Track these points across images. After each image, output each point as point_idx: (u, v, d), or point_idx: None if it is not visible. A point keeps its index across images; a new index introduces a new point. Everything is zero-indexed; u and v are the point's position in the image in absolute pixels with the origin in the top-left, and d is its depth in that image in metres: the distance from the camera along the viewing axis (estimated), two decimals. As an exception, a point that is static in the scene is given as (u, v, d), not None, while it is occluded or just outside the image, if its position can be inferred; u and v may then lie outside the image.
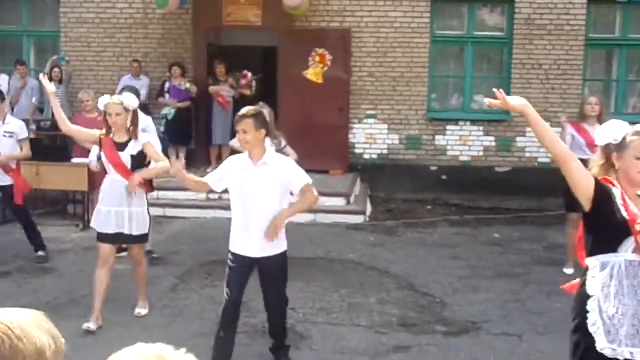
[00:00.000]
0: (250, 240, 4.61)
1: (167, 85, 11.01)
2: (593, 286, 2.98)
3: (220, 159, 9.50)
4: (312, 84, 11.03)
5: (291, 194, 4.82)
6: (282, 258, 4.72)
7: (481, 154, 11.27)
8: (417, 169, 11.29)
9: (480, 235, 9.04)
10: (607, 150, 3.12)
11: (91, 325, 5.39)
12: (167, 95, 10.99)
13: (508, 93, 11.39)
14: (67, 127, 5.74)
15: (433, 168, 11.38)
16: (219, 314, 4.77)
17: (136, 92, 6.71)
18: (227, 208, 9.04)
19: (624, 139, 3.03)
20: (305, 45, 11.01)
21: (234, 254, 4.70)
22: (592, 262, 3.01)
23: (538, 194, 10.19)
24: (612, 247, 2.94)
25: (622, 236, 2.91)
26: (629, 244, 2.90)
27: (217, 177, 4.82)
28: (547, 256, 7.77)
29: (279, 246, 4.68)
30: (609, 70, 11.74)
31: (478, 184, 10.99)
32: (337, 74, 11.07)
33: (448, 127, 11.34)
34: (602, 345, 2.91)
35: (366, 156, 11.44)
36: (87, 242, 7.99)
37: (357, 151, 11.43)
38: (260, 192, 4.57)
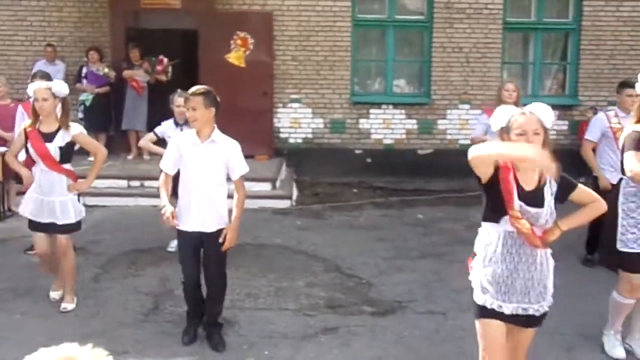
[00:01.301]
0: (191, 215, 4.70)
1: (84, 70, 10.69)
2: (479, 247, 3.44)
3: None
4: (234, 67, 10.90)
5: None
6: (220, 235, 4.76)
7: (404, 136, 11.40)
8: (342, 153, 11.34)
9: (404, 217, 9.17)
10: (500, 134, 3.37)
11: (55, 296, 5.68)
12: (85, 81, 10.68)
13: (429, 76, 11.54)
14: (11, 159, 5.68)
15: (358, 151, 11.45)
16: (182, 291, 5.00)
17: (48, 78, 6.44)
18: (149, 195, 8.98)
19: (509, 121, 3.32)
20: (227, 28, 10.86)
21: (179, 232, 4.81)
22: (483, 227, 3.45)
23: (459, 174, 10.30)
24: (496, 218, 3.35)
25: (502, 212, 3.31)
26: (508, 218, 3.29)
27: (171, 161, 4.82)
28: (469, 235, 7.82)
29: (221, 222, 4.77)
30: (526, 53, 12.06)
31: (402, 166, 11.13)
32: (260, 58, 10.98)
33: (371, 111, 11.42)
34: (477, 296, 3.40)
35: (291, 140, 11.41)
36: (3, 233, 7.69)
37: (282, 135, 11.39)
38: (204, 169, 4.67)
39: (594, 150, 6.70)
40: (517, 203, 3.26)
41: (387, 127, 11.46)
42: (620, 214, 4.53)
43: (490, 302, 3.36)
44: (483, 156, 3.19)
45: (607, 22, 11.47)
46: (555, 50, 12.14)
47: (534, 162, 3.12)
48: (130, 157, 10.82)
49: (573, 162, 10.08)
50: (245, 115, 10.74)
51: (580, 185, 3.47)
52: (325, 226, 8.58)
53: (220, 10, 11.04)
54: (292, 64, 11.21)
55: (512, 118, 3.32)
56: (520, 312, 3.35)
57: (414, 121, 11.45)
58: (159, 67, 10.81)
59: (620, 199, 4.56)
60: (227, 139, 4.83)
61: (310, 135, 11.41)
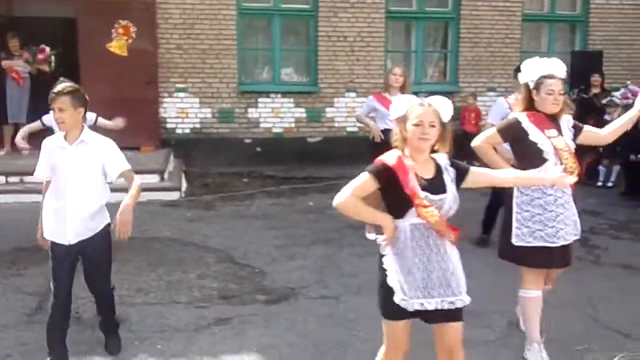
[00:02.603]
0: (66, 225, 4.21)
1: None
2: (386, 247, 3.34)
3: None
4: (116, 57, 10.57)
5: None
6: (103, 234, 4.33)
7: (293, 125, 11.46)
8: (232, 142, 11.27)
9: (295, 204, 9.23)
10: (398, 123, 3.40)
11: None
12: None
13: (315, 65, 11.61)
14: None
15: (247, 141, 11.41)
16: (49, 307, 4.38)
17: None
18: (29, 192, 8.57)
19: (407, 110, 3.35)
20: (107, 16, 10.50)
21: (52, 243, 4.28)
22: None
23: (348, 161, 10.53)
24: (400, 214, 3.31)
25: (407, 206, 3.28)
26: (413, 211, 3.27)
27: (44, 167, 4.33)
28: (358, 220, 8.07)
29: (99, 223, 4.32)
30: (409, 41, 12.38)
31: (292, 154, 11.19)
32: (143, 46, 10.70)
33: (260, 100, 11.41)
34: (397, 298, 3.29)
35: (178, 131, 11.21)
36: None
37: (168, 126, 11.17)
38: (77, 173, 4.19)
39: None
40: (422, 193, 3.26)
41: (276, 116, 11.47)
42: (515, 208, 4.42)
43: (412, 302, 3.28)
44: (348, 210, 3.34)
45: (484, 12, 11.97)
46: (436, 38, 12.54)
47: (387, 231, 3.31)
48: (2, 152, 10.29)
49: (456, 146, 10.55)
50: (129, 106, 10.40)
51: (472, 168, 3.52)
52: (216, 217, 8.51)
53: (100, -3, 10.67)
54: (176, 52, 11.00)
55: (410, 108, 3.34)
56: (446, 306, 3.30)
57: (303, 110, 11.53)
58: (40, 57, 10.35)
59: (515, 192, 4.43)
60: (99, 138, 4.34)
61: (198, 125, 11.25)
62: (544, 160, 4.31)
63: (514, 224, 4.42)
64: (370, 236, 3.59)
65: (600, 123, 10.32)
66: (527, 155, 4.37)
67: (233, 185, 10.24)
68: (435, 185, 3.32)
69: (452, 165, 3.43)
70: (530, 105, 4.49)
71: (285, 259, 6.78)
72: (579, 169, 4.48)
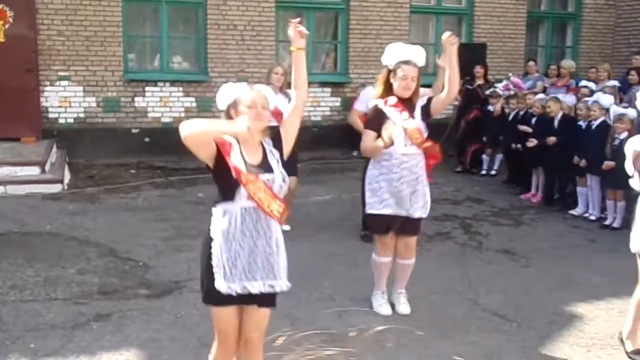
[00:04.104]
0: None
1: None
2: (215, 231, 3.33)
3: None
4: (-9, 43, 10.01)
5: None
6: None
7: (182, 114, 11.20)
8: (118, 132, 10.91)
9: (184, 196, 9.05)
10: (227, 111, 3.43)
11: None
12: None
13: (205, 53, 11.41)
14: None
15: (134, 130, 11.08)
16: None
17: None
18: None
19: (236, 97, 3.39)
20: (-19, -1, 9.92)
21: None
22: (216, 210, 3.36)
23: (239, 152, 10.46)
24: (231, 196, 3.30)
25: (235, 187, 3.28)
26: (242, 192, 3.28)
27: None
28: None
29: None
30: (299, 31, 12.34)
31: (182, 145, 10.83)
32: (21, 32, 10.19)
33: (147, 88, 11.09)
34: (219, 283, 3.30)
35: (61, 121, 10.74)
36: None
37: (50, 116, 10.67)
38: None
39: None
40: (246, 169, 3.31)
41: (165, 105, 11.20)
42: (367, 179, 5.05)
43: (234, 287, 3.30)
44: (199, 134, 3.22)
45: (373, 3, 12.13)
46: (327, 29, 12.60)
47: (243, 135, 3.22)
48: None
49: (344, 137, 10.71)
50: (7, 95, 9.97)
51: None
52: (100, 210, 8.21)
53: (-29, -21, 10.06)
54: (58, 39, 10.52)
55: (239, 94, 3.38)
56: (266, 289, 3.35)
57: (192, 99, 11.31)
58: None
59: (369, 165, 5.07)
60: None
61: (82, 115, 10.82)
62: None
63: (366, 195, 5.06)
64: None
65: (484, 113, 10.84)
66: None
67: (119, 177, 9.93)
68: (263, 167, 3.36)
69: (275, 146, 3.45)
70: (388, 87, 4.93)
71: (172, 251, 6.63)
72: (434, 147, 5.00)
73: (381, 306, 5.26)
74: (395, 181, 4.89)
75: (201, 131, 3.24)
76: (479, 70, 11.23)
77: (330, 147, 11.61)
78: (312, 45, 12.09)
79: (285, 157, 3.47)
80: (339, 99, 12.05)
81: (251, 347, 3.51)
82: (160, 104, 11.15)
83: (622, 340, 4.77)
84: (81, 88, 10.75)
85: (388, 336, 4.82)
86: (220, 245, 3.31)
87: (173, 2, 11.27)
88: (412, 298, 5.39)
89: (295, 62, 3.50)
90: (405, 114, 4.86)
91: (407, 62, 4.82)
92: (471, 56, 11.87)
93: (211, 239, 3.34)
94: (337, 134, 11.56)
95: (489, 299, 5.62)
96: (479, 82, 11.21)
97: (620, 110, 7.99)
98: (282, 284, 3.42)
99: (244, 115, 3.25)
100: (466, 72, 11.41)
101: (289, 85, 7.08)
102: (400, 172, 4.88)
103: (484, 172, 11.02)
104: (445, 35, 4.79)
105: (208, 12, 11.19)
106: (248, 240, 3.31)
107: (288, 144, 3.49)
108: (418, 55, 4.90)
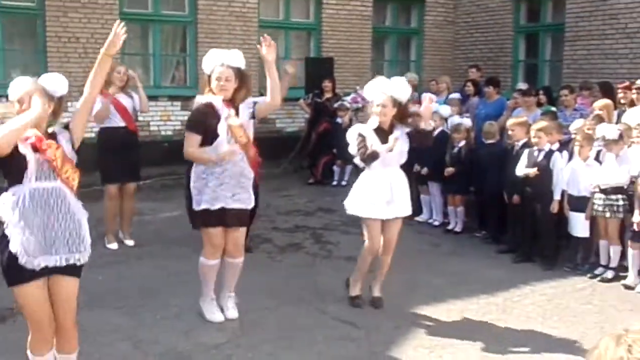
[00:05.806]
0: None
1: None
2: (6, 213, 3.42)
3: None
4: None
5: None
6: None
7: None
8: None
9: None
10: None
11: None
12: None
13: (45, 67, 10.76)
14: None
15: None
16: None
17: None
18: None
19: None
20: None
21: None
22: (6, 195, 3.44)
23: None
24: (19, 179, 3.41)
25: (23, 170, 3.40)
26: (30, 174, 3.40)
27: None
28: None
29: None
30: (146, 44, 12.06)
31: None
32: None
33: (-18, 104, 10.38)
34: (22, 259, 3.38)
35: None
36: None
37: None
38: None
39: None
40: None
41: None
42: (192, 176, 5.11)
43: (37, 262, 3.39)
44: (11, 136, 3.29)
45: (221, 17, 12.07)
46: (175, 42, 12.39)
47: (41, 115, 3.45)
48: None
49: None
50: None
51: None
52: None
53: None
54: None
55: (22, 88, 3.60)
56: (71, 262, 3.49)
57: (32, 115, 10.69)
58: None
59: (193, 164, 5.18)
60: None
61: None
62: (217, 136, 4.94)
63: (192, 192, 5.10)
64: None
65: (333, 125, 11.06)
66: (209, 132, 4.97)
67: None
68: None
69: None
70: (211, 93, 5.05)
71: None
72: (249, 145, 5.12)
73: (214, 314, 5.25)
74: (220, 174, 4.99)
75: (10, 133, 3.29)
76: (327, 84, 11.46)
77: (183, 162, 11.33)
78: (160, 59, 11.85)
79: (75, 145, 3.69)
80: (188, 112, 11.84)
81: (66, 332, 3.63)
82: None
83: (347, 285, 5.79)
84: None
85: (237, 351, 4.75)
86: (13, 228, 3.39)
87: (9, 12, 10.64)
88: (260, 309, 5.36)
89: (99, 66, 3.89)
90: (232, 111, 4.98)
91: (221, 64, 4.96)
92: (319, 70, 12.14)
93: (3, 223, 3.43)
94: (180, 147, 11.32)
95: (337, 307, 5.68)
96: (328, 95, 11.44)
97: (457, 120, 8.42)
98: (83, 257, 3.55)
99: (35, 100, 3.47)
100: (315, 85, 11.66)
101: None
102: (225, 165, 4.98)
103: (335, 182, 11.22)
104: (263, 48, 4.93)
105: (47, 24, 10.66)
106: (41, 216, 3.40)
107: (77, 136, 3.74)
108: (233, 57, 5.01)
